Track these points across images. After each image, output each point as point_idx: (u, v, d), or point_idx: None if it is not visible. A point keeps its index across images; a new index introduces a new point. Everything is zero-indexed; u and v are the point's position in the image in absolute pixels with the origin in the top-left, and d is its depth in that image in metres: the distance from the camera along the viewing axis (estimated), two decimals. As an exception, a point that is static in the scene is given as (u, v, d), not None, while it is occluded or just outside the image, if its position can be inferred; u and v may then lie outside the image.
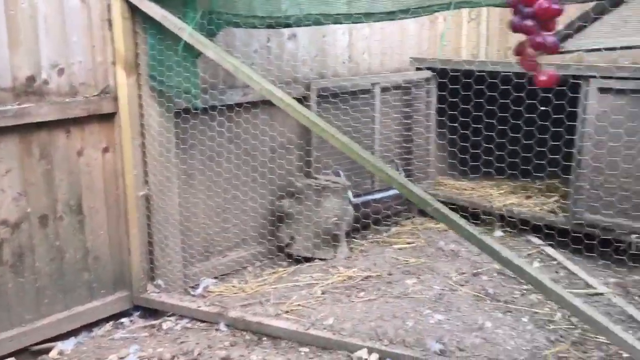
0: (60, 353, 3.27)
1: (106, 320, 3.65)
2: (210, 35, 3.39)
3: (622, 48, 4.29)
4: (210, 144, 4.02)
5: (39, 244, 3.33)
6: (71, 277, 3.49)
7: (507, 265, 2.84)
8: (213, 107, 3.93)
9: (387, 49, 5.36)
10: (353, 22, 3.03)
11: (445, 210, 2.92)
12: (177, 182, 3.80)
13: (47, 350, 3.30)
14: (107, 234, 3.64)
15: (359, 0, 3.01)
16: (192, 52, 3.43)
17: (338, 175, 4.77)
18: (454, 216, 2.91)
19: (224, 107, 4.01)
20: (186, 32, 3.26)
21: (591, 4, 2.67)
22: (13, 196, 3.19)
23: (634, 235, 4.11)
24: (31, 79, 3.20)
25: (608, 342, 3.13)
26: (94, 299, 3.61)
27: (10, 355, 3.21)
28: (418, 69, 5.40)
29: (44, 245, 3.35)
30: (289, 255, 4.54)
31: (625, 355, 3.01)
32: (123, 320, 3.68)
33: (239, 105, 4.16)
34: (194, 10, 3.32)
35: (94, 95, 3.47)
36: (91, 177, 3.52)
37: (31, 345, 3.31)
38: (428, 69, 5.35)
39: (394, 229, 5.20)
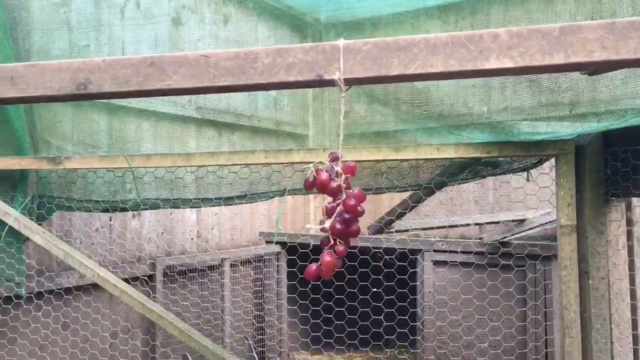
0: None
1: None
2: (40, 219, 3.21)
3: (450, 226, 4.72)
4: (41, 333, 3.64)
5: None
6: None
7: None
8: (47, 291, 3.62)
9: (237, 224, 5.43)
10: (191, 207, 3.05)
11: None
12: (-9, 383, 3.33)
13: None
14: None
15: (203, 186, 3.07)
16: (18, 238, 3.21)
17: (186, 359, 4.49)
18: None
19: (54, 293, 3.71)
20: (12, 217, 3.07)
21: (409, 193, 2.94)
22: None
23: (479, 405, 4.20)
24: None
25: None
26: None
27: None
28: (268, 242, 5.48)
29: None
30: None
31: None
32: None
33: (76, 289, 3.88)
34: (23, 194, 3.17)
35: None
36: None
37: None
38: (277, 243, 5.45)
39: (247, 414, 4.88)
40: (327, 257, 1.19)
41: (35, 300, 3.61)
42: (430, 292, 4.45)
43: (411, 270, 4.45)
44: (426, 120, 2.90)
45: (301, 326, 5.00)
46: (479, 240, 4.30)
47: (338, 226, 1.17)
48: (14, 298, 3.38)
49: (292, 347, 5.47)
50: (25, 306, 3.56)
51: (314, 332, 4.82)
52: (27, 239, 3.20)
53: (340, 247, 1.18)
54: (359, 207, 1.15)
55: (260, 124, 4.01)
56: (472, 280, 4.14)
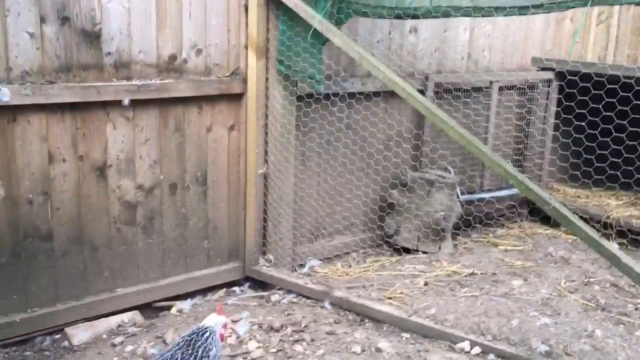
0: (180, 311, 3.54)
1: (219, 287, 3.89)
2: (338, 23, 3.51)
3: None
4: (329, 129, 4.16)
5: (168, 209, 3.61)
6: (192, 243, 3.75)
7: (627, 272, 2.75)
8: (334, 94, 4.06)
9: (508, 48, 5.27)
10: (483, 16, 3.04)
11: (564, 210, 2.87)
12: (294, 163, 3.98)
13: (167, 307, 3.58)
14: (226, 207, 3.88)
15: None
16: (319, 39, 3.57)
17: (447, 171, 4.76)
18: (573, 217, 2.85)
19: (344, 95, 4.13)
20: (316, 19, 3.40)
21: None
22: (149, 163, 3.49)
23: None
24: (173, 58, 3.48)
25: None
26: (210, 266, 3.86)
27: (135, 308, 3.52)
28: (540, 69, 5.25)
29: (172, 212, 3.63)
30: (393, 246, 4.60)
31: None
32: (234, 288, 3.90)
33: (358, 94, 4.26)
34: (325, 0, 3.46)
35: (226, 76, 3.70)
36: (217, 153, 3.77)
37: (154, 302, 3.61)
38: (551, 70, 5.19)
39: (500, 231, 5.12)
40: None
41: (324, 101, 4.07)
42: None
43: None
44: None
45: (562, 159, 4.86)
46: None
47: None
48: (315, 93, 3.87)
49: (552, 174, 5.39)
50: (323, 101, 4.05)
51: (575, 169, 4.64)
52: (327, 41, 3.55)
53: None
54: None
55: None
56: None
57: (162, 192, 3.57)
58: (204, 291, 3.84)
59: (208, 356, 2.00)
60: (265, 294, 3.81)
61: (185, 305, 3.59)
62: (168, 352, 2.04)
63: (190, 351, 2.00)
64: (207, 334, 2.07)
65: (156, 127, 3.48)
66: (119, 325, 3.34)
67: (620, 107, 3.79)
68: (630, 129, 3.92)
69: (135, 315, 3.44)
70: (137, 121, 3.41)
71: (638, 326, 3.46)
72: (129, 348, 3.06)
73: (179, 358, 1.98)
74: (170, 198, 3.61)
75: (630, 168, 4.06)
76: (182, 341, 2.05)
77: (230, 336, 3.12)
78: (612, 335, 3.30)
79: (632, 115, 3.81)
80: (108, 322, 3.35)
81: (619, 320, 3.51)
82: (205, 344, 2.03)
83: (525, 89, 5.24)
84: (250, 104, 3.76)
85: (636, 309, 3.70)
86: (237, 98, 3.78)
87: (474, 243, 4.83)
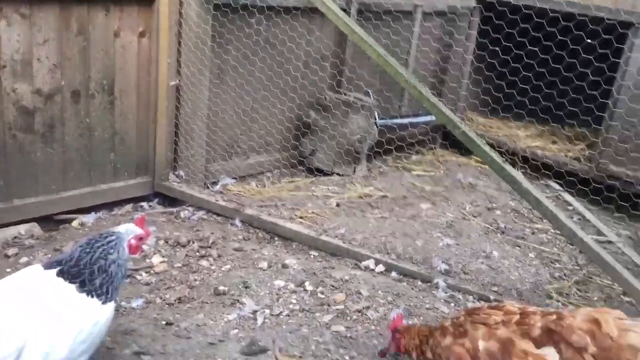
0: (82, 224, 3.41)
1: (127, 201, 3.76)
2: None
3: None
4: (246, 42, 3.99)
5: (70, 118, 3.39)
6: (97, 155, 3.57)
7: (525, 196, 2.87)
8: (253, 5, 3.87)
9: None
10: None
11: (472, 134, 2.93)
12: (209, 77, 3.81)
13: (69, 220, 3.44)
14: (135, 118, 3.69)
15: None
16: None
17: (367, 95, 4.74)
18: (480, 141, 2.91)
19: (263, 7, 3.94)
20: None
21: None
22: (49, 67, 3.23)
23: (654, 191, 4.09)
24: (72, -50, 3.17)
25: (611, 284, 3.19)
26: (117, 180, 3.71)
27: (33, 220, 3.35)
28: (464, -4, 5.23)
29: (74, 121, 3.42)
30: (308, 167, 4.60)
31: (626, 298, 3.08)
32: (143, 204, 3.79)
33: (278, 7, 4.08)
34: None
35: (136, -23, 3.43)
36: (125, 60, 3.54)
37: (55, 214, 3.45)
38: (474, -2, 5.18)
39: (414, 157, 5.22)
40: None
41: (242, 12, 3.87)
42: (633, 71, 4.11)
43: (617, 45, 4.08)
44: None
45: (483, 85, 4.95)
46: None
47: None
48: (232, 3, 3.66)
49: (470, 104, 5.51)
50: (241, 12, 3.85)
51: (495, 94, 4.75)
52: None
53: None
54: None
55: None
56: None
57: (64, 98, 3.34)
58: (110, 205, 3.70)
59: (106, 259, 1.93)
60: (174, 210, 3.73)
61: (89, 218, 3.46)
62: (71, 251, 1.96)
63: (88, 250, 1.93)
64: (110, 237, 2.00)
65: (56, 28, 3.20)
66: (15, 237, 3.18)
67: (534, 34, 3.85)
68: (541, 56, 4.04)
69: (33, 227, 3.29)
70: (35, 19, 3.11)
71: (532, 249, 3.68)
72: (24, 260, 2.93)
73: (75, 256, 1.91)
74: (72, 106, 3.38)
75: (536, 95, 4.19)
76: (85, 241, 1.98)
77: (143, 252, 3.03)
78: (508, 256, 3.49)
79: (544, 43, 3.90)
80: (3, 234, 3.18)
81: (515, 243, 3.71)
82: (105, 247, 1.95)
83: (449, 15, 5.22)
84: (162, 10, 3.52)
85: (533, 233, 3.92)
86: (148, 2, 3.52)
87: (388, 167, 4.91)
